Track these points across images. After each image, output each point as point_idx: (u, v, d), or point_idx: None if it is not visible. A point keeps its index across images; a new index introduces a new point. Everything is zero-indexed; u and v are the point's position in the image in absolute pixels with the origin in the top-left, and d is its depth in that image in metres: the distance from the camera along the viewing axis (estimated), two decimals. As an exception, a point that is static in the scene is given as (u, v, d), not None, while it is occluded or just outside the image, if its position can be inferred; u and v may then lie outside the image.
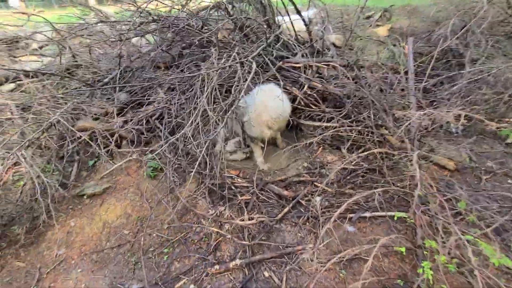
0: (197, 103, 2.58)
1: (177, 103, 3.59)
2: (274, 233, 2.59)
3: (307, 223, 2.62)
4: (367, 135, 3.11)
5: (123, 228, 2.82)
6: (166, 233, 2.74)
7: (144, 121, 4.03)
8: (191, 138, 2.97)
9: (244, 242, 2.44)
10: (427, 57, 4.17)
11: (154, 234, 2.74)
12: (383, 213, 2.57)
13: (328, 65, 3.70)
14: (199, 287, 2.28)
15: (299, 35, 4.86)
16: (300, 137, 3.67)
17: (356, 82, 3.47)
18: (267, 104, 2.99)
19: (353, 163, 2.98)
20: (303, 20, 4.64)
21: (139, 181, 3.31)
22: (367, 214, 2.59)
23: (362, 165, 3.06)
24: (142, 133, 3.96)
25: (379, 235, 2.48)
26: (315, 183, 2.93)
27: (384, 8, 7.07)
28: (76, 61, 4.74)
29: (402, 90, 3.77)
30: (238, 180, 2.99)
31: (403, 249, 2.09)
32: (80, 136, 3.77)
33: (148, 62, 4.21)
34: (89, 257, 2.67)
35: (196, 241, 2.63)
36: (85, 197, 3.20)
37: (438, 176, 2.98)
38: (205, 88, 2.57)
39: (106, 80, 4.24)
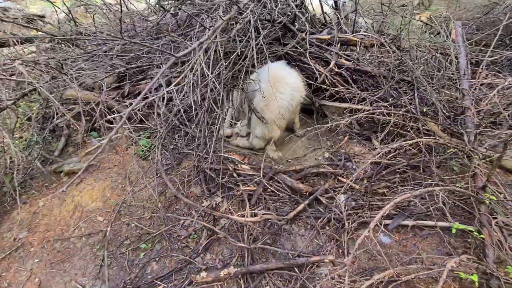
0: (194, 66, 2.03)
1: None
2: (283, 236, 1.99)
3: (327, 227, 2.00)
4: (410, 121, 2.44)
5: (97, 214, 2.29)
6: (148, 224, 2.19)
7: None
8: (183, 114, 2.43)
9: (242, 245, 1.85)
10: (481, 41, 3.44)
11: (133, 224, 2.20)
12: (431, 223, 1.91)
13: (361, 40, 3.05)
14: (177, 299, 1.71)
15: (327, 15, 4.23)
16: (321, 124, 3.03)
17: (397, 60, 2.80)
18: (273, 98, 2.45)
19: (389, 156, 2.32)
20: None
21: (127, 161, 2.80)
22: (409, 222, 1.94)
23: (400, 160, 2.40)
24: (139, 109, 3.47)
25: (426, 251, 1.83)
26: (339, 177, 2.30)
27: (422, -5, 6.30)
28: (77, 29, 4.31)
29: (451, 76, 3.06)
30: (242, 166, 2.40)
31: (475, 277, 1.42)
32: (71, 107, 3.34)
33: (153, 30, 3.70)
34: (52, 245, 2.17)
35: (182, 237, 2.07)
36: (62, 174, 2.71)
37: (503, 181, 2.27)
38: (203, 47, 2.00)
39: (105, 48, 3.77)
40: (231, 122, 2.96)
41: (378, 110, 2.45)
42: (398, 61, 2.83)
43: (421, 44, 3.38)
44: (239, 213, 2.08)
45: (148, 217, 2.23)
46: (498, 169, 2.37)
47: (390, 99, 2.68)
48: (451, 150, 2.17)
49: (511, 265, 1.39)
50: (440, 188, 1.76)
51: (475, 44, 3.75)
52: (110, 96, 3.52)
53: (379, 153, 2.16)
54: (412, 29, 4.27)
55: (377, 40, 3.05)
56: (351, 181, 1.99)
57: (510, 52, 3.08)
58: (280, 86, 2.48)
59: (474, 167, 2.05)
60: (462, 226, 1.66)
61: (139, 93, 3.63)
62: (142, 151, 2.84)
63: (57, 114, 3.13)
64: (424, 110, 2.60)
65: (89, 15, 5.66)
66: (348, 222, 1.90)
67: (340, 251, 1.84)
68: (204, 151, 2.37)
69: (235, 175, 2.34)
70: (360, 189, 2.19)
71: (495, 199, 1.75)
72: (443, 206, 1.57)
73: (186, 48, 2.01)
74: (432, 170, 2.26)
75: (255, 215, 2.04)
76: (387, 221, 1.96)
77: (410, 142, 2.09)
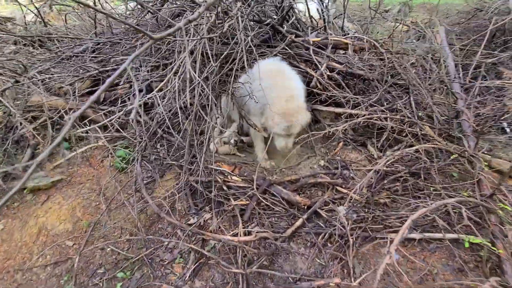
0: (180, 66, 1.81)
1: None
2: (281, 257, 1.79)
3: (329, 244, 1.82)
4: (408, 126, 2.33)
5: (66, 238, 1.99)
6: (126, 248, 1.92)
7: (120, 101, 3.26)
8: (167, 121, 2.20)
9: (236, 270, 1.62)
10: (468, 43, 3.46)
11: (108, 249, 1.91)
12: (439, 235, 1.78)
13: (353, 43, 2.95)
14: None
15: (314, 19, 4.15)
16: (314, 130, 2.88)
17: (390, 63, 2.71)
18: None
19: (387, 163, 2.19)
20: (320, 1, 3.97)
21: (102, 174, 2.50)
22: (416, 235, 1.80)
23: (398, 167, 2.27)
24: (118, 117, 3.17)
25: (437, 267, 1.69)
26: (338, 187, 2.14)
27: (403, 2, 6.43)
28: (47, 29, 3.96)
29: (442, 81, 3.02)
30: (233, 178, 2.19)
31: None
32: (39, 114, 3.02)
33: (131, 30, 3.43)
34: (12, 277, 1.84)
35: (166, 262, 1.81)
36: (25, 191, 2.37)
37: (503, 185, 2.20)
38: (188, 44, 1.79)
39: (76, 50, 3.45)
40: (222, 130, 2.73)
41: (376, 115, 2.33)
42: (390, 65, 2.74)
43: (408, 48, 3.35)
44: (231, 232, 1.86)
45: (126, 239, 1.95)
46: (492, 172, 2.30)
47: (385, 103, 2.58)
48: (454, 155, 2.06)
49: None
50: (454, 200, 1.63)
51: (459, 49, 3.77)
52: (83, 102, 3.22)
53: (385, 161, 2.03)
54: (395, 34, 4.26)
55: (368, 43, 2.96)
56: (354, 193, 1.82)
57: (506, 54, 3.08)
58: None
59: (478, 173, 1.95)
60: (477, 240, 1.54)
61: (116, 99, 3.35)
62: (120, 163, 2.56)
63: (20, 123, 2.80)
64: (420, 114, 2.52)
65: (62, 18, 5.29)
66: (352, 238, 1.73)
67: (346, 271, 1.66)
68: (193, 163, 2.14)
69: (225, 188, 2.12)
70: (361, 200, 2.03)
71: (510, 209, 1.65)
72: (453, 216, 1.43)
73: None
74: (433, 177, 2.15)
75: (249, 233, 1.83)
76: (393, 235, 1.80)
77: (414, 148, 1.97)
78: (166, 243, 1.89)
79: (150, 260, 1.81)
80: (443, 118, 2.54)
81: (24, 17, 3.66)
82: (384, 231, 1.83)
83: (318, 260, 1.73)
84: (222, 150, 2.62)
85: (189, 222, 1.98)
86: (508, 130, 2.88)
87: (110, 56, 3.22)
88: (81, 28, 4.13)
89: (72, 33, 3.87)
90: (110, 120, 2.15)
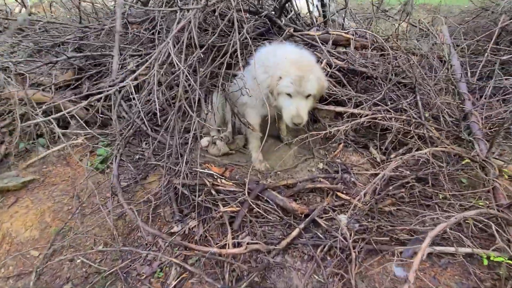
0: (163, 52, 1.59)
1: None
2: (274, 272, 1.58)
3: (329, 257, 1.61)
4: (415, 127, 2.15)
5: (32, 246, 1.76)
6: (98, 260, 1.69)
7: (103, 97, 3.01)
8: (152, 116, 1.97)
9: (222, 289, 1.41)
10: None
11: (78, 260, 1.69)
12: (451, 249, 1.59)
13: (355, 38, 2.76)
14: None
15: (314, 16, 3.98)
16: (313, 130, 2.68)
17: (395, 60, 2.53)
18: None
19: (392, 167, 2.00)
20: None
21: (80, 175, 2.27)
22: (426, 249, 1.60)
23: (402, 171, 2.09)
24: (101, 113, 2.93)
25: (450, 286, 1.50)
26: (339, 193, 1.94)
27: (404, 1, 6.28)
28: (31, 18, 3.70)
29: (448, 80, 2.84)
30: (223, 181, 1.98)
31: None
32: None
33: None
34: (-34, 292, 1.61)
35: (144, 276, 1.59)
36: (-8, 193, 2.13)
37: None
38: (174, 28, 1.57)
39: (58, 41, 3.21)
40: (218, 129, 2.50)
41: (380, 115, 2.14)
42: (395, 62, 2.55)
43: (412, 45, 3.18)
44: (219, 242, 1.64)
45: (99, 249, 1.73)
46: (502, 179, 2.12)
47: (389, 103, 2.39)
48: (466, 160, 1.88)
49: None
50: (475, 212, 1.44)
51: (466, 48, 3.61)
52: (63, 96, 2.98)
53: (394, 165, 1.84)
54: (398, 33, 4.09)
55: (372, 38, 2.78)
56: (359, 200, 1.63)
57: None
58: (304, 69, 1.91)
59: (493, 180, 1.77)
60: (499, 258, 1.35)
61: (100, 93, 3.11)
62: (100, 162, 2.33)
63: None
64: (426, 115, 2.34)
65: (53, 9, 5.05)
66: (355, 252, 1.53)
67: (348, 290, 1.46)
68: (178, 164, 1.92)
69: (213, 192, 1.90)
70: (363, 208, 1.84)
71: None
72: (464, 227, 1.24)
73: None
74: (441, 184, 1.97)
75: (239, 244, 1.62)
76: (400, 248, 1.61)
77: (425, 151, 1.78)
78: (144, 254, 1.67)
79: (125, 274, 1.59)
80: (451, 119, 2.37)
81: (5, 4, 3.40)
82: (392, 244, 1.64)
83: (316, 277, 1.53)
84: (212, 152, 2.41)
85: (172, 231, 1.76)
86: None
87: (96, 46, 2.98)
88: (68, 17, 3.89)
89: (56, 22, 3.62)
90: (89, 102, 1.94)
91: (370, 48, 2.76)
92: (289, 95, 1.89)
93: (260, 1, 2.59)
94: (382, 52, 2.71)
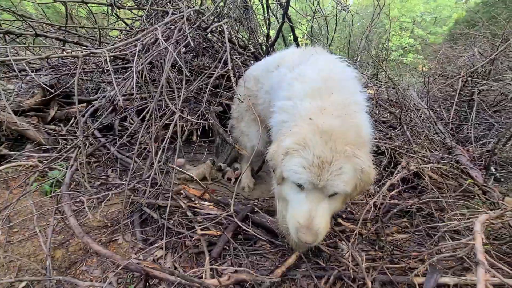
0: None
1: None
2: (267, 313, 1.16)
3: (336, 291, 1.25)
4: (406, 154, 2.07)
5: None
6: (15, 303, 1.18)
7: (73, 120, 2.72)
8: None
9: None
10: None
11: (-15, 303, 1.16)
12: (475, 279, 1.31)
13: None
14: None
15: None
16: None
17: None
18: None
19: (391, 194, 1.82)
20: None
21: (19, 200, 1.82)
22: (448, 280, 1.31)
23: (393, 202, 1.90)
24: (64, 137, 2.60)
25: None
26: (339, 218, 1.67)
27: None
28: None
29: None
30: (201, 204, 1.65)
31: None
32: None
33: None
34: None
35: (79, 325, 1.10)
36: None
37: None
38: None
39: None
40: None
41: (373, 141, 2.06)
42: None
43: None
44: (193, 274, 1.24)
45: (22, 286, 1.23)
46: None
47: (376, 133, 2.36)
48: (469, 181, 1.76)
49: None
50: (495, 214, 1.25)
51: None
52: (26, 120, 2.66)
53: (385, 189, 1.66)
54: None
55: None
56: (361, 227, 1.38)
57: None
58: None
59: (497, 202, 1.64)
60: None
61: (68, 119, 2.83)
62: (51, 185, 1.92)
63: None
64: (414, 146, 2.31)
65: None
66: (370, 280, 1.20)
67: (367, 334, 1.08)
68: (145, 184, 1.60)
69: (189, 214, 1.55)
70: (368, 235, 1.57)
71: None
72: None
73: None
74: (442, 209, 1.79)
75: (221, 274, 1.23)
76: (420, 280, 1.31)
77: (427, 166, 1.65)
78: (86, 291, 1.20)
79: (51, 322, 1.09)
80: (437, 153, 2.35)
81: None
82: (406, 274, 1.33)
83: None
84: (197, 173, 2.11)
85: (131, 258, 1.33)
86: (497, 174, 2.74)
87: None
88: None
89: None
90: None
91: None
92: (300, 185, 1.16)
93: (250, 37, 2.70)
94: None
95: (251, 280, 1.20)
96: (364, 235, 1.57)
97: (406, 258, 1.41)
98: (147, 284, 1.20)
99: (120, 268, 1.18)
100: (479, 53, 3.16)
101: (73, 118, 2.76)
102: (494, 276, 0.85)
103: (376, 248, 1.48)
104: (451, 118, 2.98)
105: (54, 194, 1.72)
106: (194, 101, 2.17)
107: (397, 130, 2.38)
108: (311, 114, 1.22)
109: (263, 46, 2.77)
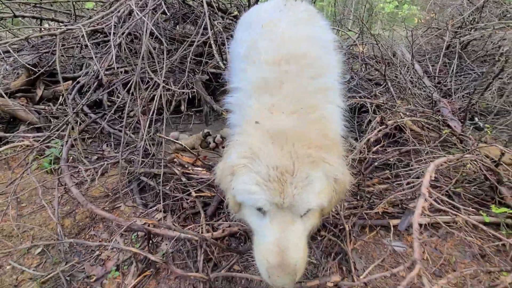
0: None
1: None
2: (258, 258, 1.32)
3: (319, 237, 1.41)
4: (391, 113, 2.14)
5: None
6: (35, 264, 1.33)
7: (61, 99, 2.74)
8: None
9: (196, 275, 1.13)
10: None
11: (8, 266, 1.31)
12: (447, 218, 1.47)
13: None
14: None
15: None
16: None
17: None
18: None
19: (374, 149, 1.93)
20: None
21: (22, 177, 1.91)
22: (422, 220, 1.47)
23: (376, 156, 2.01)
24: (55, 116, 2.63)
25: (453, 255, 1.35)
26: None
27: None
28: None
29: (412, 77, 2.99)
30: (194, 170, 1.76)
31: None
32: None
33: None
34: None
35: (94, 279, 1.26)
36: None
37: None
38: None
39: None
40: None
41: (355, 100, 2.12)
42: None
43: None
44: (191, 227, 1.38)
45: (37, 252, 1.37)
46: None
47: (362, 92, 2.41)
48: (446, 131, 1.86)
49: None
50: (470, 157, 1.37)
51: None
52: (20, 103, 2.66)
53: (364, 142, 1.76)
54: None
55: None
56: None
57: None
58: None
59: (475, 149, 1.75)
60: (502, 210, 1.24)
61: (56, 98, 2.83)
62: (50, 162, 2.00)
63: None
64: (399, 102, 2.37)
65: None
66: (348, 226, 1.35)
67: (344, 268, 1.24)
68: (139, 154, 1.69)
69: (184, 179, 1.66)
70: (350, 187, 1.69)
71: None
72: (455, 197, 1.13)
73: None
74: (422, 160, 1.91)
75: (215, 229, 1.37)
76: (395, 222, 1.46)
77: (404, 120, 1.74)
78: (96, 253, 1.35)
79: (68, 278, 1.24)
80: (422, 103, 2.42)
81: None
82: (386, 218, 1.48)
83: (308, 259, 1.30)
84: (186, 143, 2.19)
85: (134, 222, 1.47)
86: (480, 124, 2.84)
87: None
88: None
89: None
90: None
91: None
92: (260, 209, 0.90)
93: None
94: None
95: (241, 230, 1.34)
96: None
97: (384, 204, 1.56)
98: (151, 242, 1.34)
99: (124, 229, 1.31)
100: (468, 0, 3.08)
101: (60, 97, 2.78)
102: (431, 205, 0.97)
103: (358, 198, 1.61)
104: (437, 71, 3.00)
105: (54, 168, 1.80)
106: (178, 71, 2.17)
107: (382, 87, 2.42)
108: (258, 115, 0.97)
109: (246, 8, 2.69)
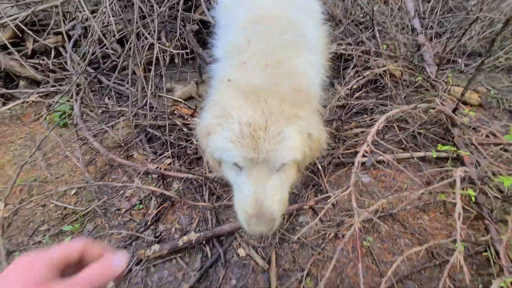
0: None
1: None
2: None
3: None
4: (373, 56, 2.27)
5: (-4, 199, 1.67)
6: (73, 202, 1.66)
7: (53, 52, 2.77)
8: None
9: (204, 204, 1.47)
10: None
11: (52, 205, 1.64)
12: (407, 154, 1.78)
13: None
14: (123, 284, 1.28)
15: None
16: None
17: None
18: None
19: (355, 96, 2.13)
20: None
21: (38, 131, 2.13)
22: (386, 157, 1.78)
23: (356, 103, 2.22)
24: (52, 70, 2.71)
25: (406, 183, 1.70)
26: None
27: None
28: None
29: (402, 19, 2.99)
30: (193, 121, 1.98)
31: (471, 192, 1.28)
32: None
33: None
34: None
35: (123, 211, 1.60)
36: None
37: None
38: None
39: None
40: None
41: (342, 47, 2.23)
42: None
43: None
44: (195, 169, 1.68)
45: (73, 193, 1.69)
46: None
47: (349, 37, 2.48)
48: (419, 78, 2.05)
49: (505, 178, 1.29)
50: (424, 105, 1.61)
51: None
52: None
53: (346, 88, 1.96)
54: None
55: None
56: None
57: None
58: None
59: (442, 95, 1.97)
60: (445, 147, 1.53)
61: (48, 50, 2.85)
62: (60, 117, 2.20)
63: None
64: (384, 47, 2.47)
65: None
66: (323, 164, 1.66)
67: (320, 195, 1.59)
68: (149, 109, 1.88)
69: (185, 129, 1.90)
70: (331, 130, 1.96)
71: (473, 114, 1.68)
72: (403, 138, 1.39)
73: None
74: (399, 103, 2.14)
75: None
76: (364, 159, 1.77)
77: (381, 69, 1.91)
78: (121, 191, 1.67)
79: (104, 211, 1.59)
80: (406, 50, 2.52)
81: None
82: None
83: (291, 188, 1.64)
84: (184, 91, 2.35)
85: (147, 167, 1.76)
86: (462, 65, 2.98)
87: None
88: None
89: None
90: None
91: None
92: (237, 165, 0.94)
93: None
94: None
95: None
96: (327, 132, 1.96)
97: (357, 145, 1.85)
98: (164, 182, 1.65)
99: (143, 172, 1.60)
100: None
101: (52, 50, 2.79)
102: (369, 147, 1.24)
103: (336, 140, 1.89)
104: (427, 12, 2.99)
105: (71, 124, 2.01)
106: (169, 22, 2.20)
107: (369, 32, 2.48)
108: (230, 74, 0.99)
109: None
